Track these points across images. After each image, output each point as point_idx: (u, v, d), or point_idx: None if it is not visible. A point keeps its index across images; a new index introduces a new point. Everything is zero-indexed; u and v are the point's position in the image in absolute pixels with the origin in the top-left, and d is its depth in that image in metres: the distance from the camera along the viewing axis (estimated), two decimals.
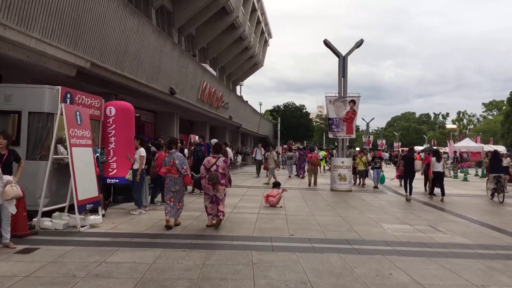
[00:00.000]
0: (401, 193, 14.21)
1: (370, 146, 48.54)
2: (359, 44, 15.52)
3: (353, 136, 15.70)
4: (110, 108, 10.41)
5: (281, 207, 10.41)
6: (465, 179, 22.94)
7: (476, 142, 48.61)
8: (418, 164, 14.21)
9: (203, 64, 24.65)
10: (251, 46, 43.11)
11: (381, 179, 16.28)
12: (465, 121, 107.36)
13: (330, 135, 15.88)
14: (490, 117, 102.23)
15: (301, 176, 21.61)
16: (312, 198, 12.64)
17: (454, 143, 46.11)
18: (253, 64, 49.98)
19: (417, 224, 8.54)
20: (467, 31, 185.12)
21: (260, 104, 51.12)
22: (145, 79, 14.60)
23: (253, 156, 22.96)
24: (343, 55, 15.49)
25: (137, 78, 13.81)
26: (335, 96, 15.41)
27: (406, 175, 12.80)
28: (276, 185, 11.19)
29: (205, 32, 32.08)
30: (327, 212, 9.86)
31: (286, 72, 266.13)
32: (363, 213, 9.86)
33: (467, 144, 44.93)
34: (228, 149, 27.40)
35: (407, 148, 17.85)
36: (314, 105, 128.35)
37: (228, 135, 35.48)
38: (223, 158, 7.70)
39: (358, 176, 17.36)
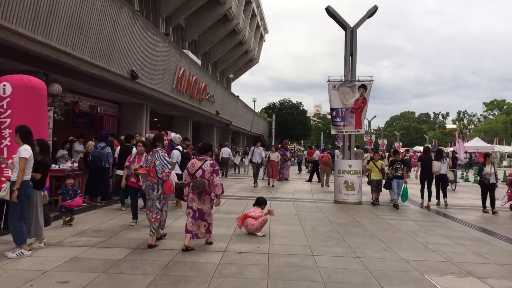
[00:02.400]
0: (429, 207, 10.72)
1: (372, 146, 45.32)
2: (371, 12, 11.96)
3: (362, 131, 12.15)
4: (4, 86, 6.84)
5: (264, 235, 6.88)
6: None
7: (486, 142, 45.26)
8: (436, 165, 11.16)
9: (184, 51, 21.14)
10: (246, 41, 40.33)
11: (403, 194, 10.85)
12: (465, 121, 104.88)
13: (333, 131, 12.32)
14: (491, 116, 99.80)
15: (283, 178, 18.85)
16: (311, 217, 9.11)
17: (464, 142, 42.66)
18: (248, 60, 47.13)
19: (489, 275, 5.03)
20: (464, 31, 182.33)
21: (254, 101, 47.42)
22: (90, 55, 10.99)
23: (249, 157, 17.31)
24: (351, 26, 11.96)
25: (74, 51, 10.22)
26: (341, 80, 11.87)
27: (424, 179, 11.38)
28: (261, 202, 7.61)
29: (195, 24, 29.17)
30: (335, 247, 6.31)
31: (284, 72, 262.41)
32: (392, 248, 6.31)
33: (476, 144, 41.59)
34: (226, 149, 23.15)
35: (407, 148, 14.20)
36: (312, 105, 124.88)
37: (216, 133, 31.84)
38: (211, 161, 6.17)
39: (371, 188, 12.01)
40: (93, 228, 7.03)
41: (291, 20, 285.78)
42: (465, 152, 35.14)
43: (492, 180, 10.15)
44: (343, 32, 12.10)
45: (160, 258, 5.32)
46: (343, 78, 11.91)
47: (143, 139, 10.21)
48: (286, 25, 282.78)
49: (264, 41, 57.25)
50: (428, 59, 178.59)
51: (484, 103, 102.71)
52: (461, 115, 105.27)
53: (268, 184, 16.10)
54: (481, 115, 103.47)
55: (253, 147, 16.84)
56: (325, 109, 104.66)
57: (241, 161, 25.18)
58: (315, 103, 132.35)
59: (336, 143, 27.98)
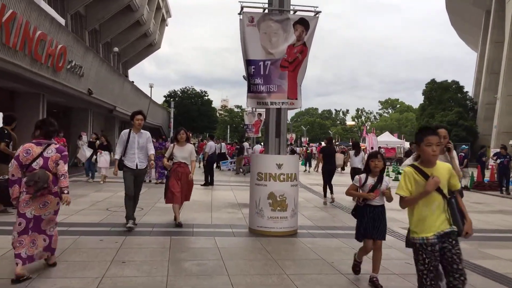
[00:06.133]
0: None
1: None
2: None
3: (299, 105, 6.83)
4: None
5: None
6: None
7: (396, 137, 44.55)
8: (340, 158, 11.75)
9: (43, 6, 14.16)
10: (145, 21, 34.78)
11: None
12: (363, 118, 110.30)
13: (250, 103, 6.77)
14: (386, 114, 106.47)
15: (158, 181, 13.42)
16: None
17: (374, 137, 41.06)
18: (148, 44, 41.66)
19: None
20: (362, 36, 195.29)
21: (151, 87, 40.45)
22: None
23: (116, 156, 6.64)
24: None
25: None
26: (264, 9, 6.52)
27: (325, 172, 10.50)
28: None
29: None
30: None
31: (192, 66, 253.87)
32: None
33: (388, 138, 40.21)
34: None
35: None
36: (219, 100, 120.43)
37: (93, 121, 24.62)
38: (57, 145, 4.23)
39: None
40: None
41: (199, 13, 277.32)
42: (379, 148, 33.19)
43: None
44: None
45: None
46: (266, 6, 6.57)
47: None
48: (193, 17, 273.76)
49: (167, 25, 50.89)
50: (329, 60, 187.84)
51: (379, 101, 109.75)
52: (359, 112, 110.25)
53: (177, 221, 6.79)
54: (377, 112, 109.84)
55: (126, 131, 6.68)
56: (232, 103, 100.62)
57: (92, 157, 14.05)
58: (222, 97, 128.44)
59: (246, 134, 22.76)
